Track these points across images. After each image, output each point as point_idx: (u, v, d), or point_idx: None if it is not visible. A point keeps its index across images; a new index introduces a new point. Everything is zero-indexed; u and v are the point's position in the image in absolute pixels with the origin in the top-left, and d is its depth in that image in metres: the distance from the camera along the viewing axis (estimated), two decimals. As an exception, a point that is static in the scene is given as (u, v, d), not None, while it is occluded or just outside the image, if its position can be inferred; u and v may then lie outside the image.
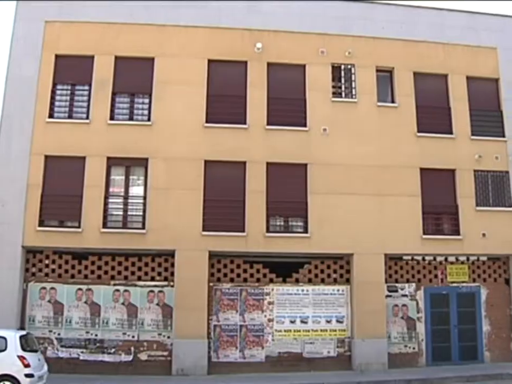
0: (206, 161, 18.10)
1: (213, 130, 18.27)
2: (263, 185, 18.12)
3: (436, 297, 18.97)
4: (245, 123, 18.51)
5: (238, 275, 18.06)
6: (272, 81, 18.99)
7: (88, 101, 18.31)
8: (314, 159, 18.55)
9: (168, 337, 17.32)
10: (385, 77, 19.79)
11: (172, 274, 17.58)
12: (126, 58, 18.64)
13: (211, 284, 17.74)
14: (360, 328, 17.78)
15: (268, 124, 18.56)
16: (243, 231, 17.81)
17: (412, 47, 19.86)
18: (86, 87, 18.44)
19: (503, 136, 19.91)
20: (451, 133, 19.57)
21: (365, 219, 18.35)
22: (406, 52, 19.80)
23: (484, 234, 18.94)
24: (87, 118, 18.15)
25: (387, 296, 18.49)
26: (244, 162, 18.26)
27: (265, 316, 17.92)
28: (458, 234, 18.96)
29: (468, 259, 19.42)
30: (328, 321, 18.18)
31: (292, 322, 18.01)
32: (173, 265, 17.60)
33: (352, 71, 19.51)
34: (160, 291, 17.68)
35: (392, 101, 19.61)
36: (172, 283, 17.52)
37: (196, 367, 16.81)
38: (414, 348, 18.57)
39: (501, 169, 19.65)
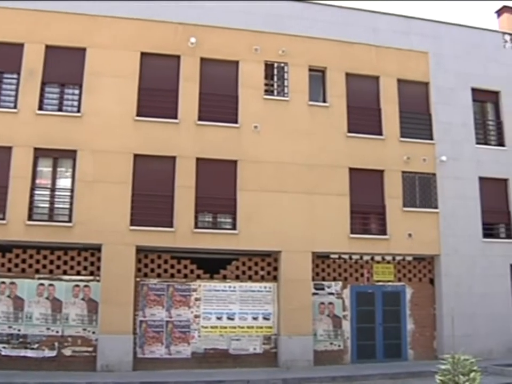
0: (135, 155, 19.48)
1: (144, 124, 19.72)
2: (193, 180, 19.68)
3: (361, 295, 21.20)
4: (176, 118, 20.02)
5: (165, 270, 19.61)
6: (204, 76, 20.60)
7: (17, 90, 19.31)
8: (245, 155, 20.32)
9: (93, 332, 18.58)
10: (318, 76, 21.83)
11: (98, 268, 18.90)
12: (57, 48, 19.70)
13: (138, 279, 19.19)
14: (287, 326, 19.67)
15: (199, 119, 20.13)
16: (171, 226, 19.32)
17: (345, 48, 22.01)
18: (15, 76, 19.45)
19: (431, 139, 22.40)
20: (381, 134, 21.85)
21: (293, 217, 20.26)
22: (339, 53, 21.91)
23: (410, 235, 21.30)
24: (15, 107, 19.20)
25: (314, 294, 20.49)
26: (174, 157, 19.77)
27: (191, 312, 19.55)
28: (385, 234, 21.25)
29: (394, 259, 21.78)
30: (254, 318, 20.04)
31: (219, 318, 19.74)
32: (99, 259, 18.92)
33: (285, 69, 21.42)
34: (85, 286, 18.96)
35: (324, 101, 21.68)
36: (98, 278, 18.83)
37: (121, 363, 18.14)
38: (339, 346, 20.70)
39: (428, 171, 22.10)
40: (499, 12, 27.04)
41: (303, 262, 20.17)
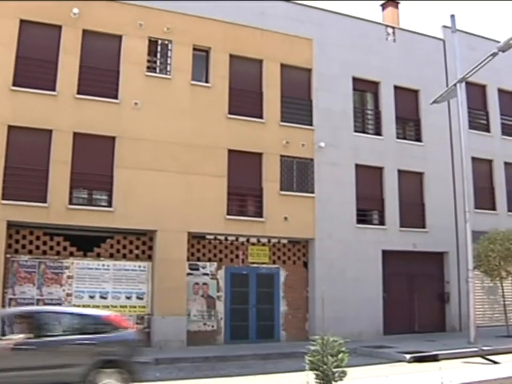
0: (9, 127, 19.97)
1: (20, 95, 20.29)
2: (69, 155, 20.58)
3: (236, 277, 23.25)
4: (54, 90, 20.79)
5: (37, 247, 20.54)
6: (86, 49, 21.48)
7: None
8: (124, 132, 21.49)
9: (-42, 310, 19.04)
10: (202, 56, 23.46)
11: (-34, 244, 19.41)
12: None
13: (8, 256, 19.88)
14: (160, 305, 21.18)
15: (79, 93, 21.06)
16: (45, 201, 20.10)
17: (231, 30, 23.76)
18: None
19: (311, 124, 24.75)
20: (261, 117, 23.86)
21: (170, 196, 21.74)
22: (224, 34, 23.64)
23: (285, 218, 23.49)
24: None
25: (188, 274, 22.22)
26: (50, 131, 20.58)
27: (63, 290, 20.59)
28: (261, 216, 23.31)
29: (269, 241, 23.98)
30: (128, 298, 21.48)
31: (91, 297, 20.94)
32: (-33, 234, 19.44)
33: (169, 47, 22.85)
34: (-49, 261, 19.33)
35: (206, 81, 23.38)
36: (-36, 253, 19.35)
37: (-14, 342, 19.20)
38: (213, 326, 22.60)
39: (306, 156, 24.43)
40: (384, 5, 29.84)
41: (178, 242, 21.77)
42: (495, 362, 16.99)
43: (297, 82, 25.05)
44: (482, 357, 17.93)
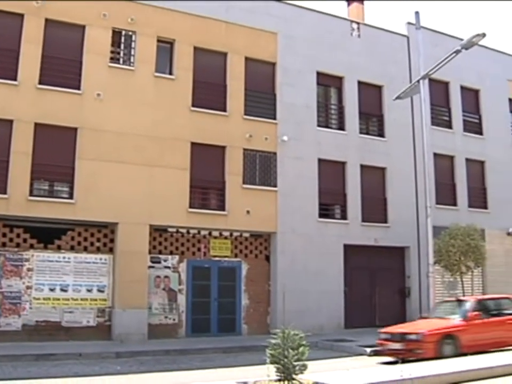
0: None
1: None
2: (30, 146, 20.48)
3: (198, 270, 23.45)
4: (15, 79, 20.64)
5: None
6: (49, 38, 21.34)
7: None
8: (86, 123, 21.44)
9: None
10: (166, 48, 23.55)
11: None
12: None
13: None
14: (121, 298, 21.25)
15: (40, 83, 20.97)
16: (5, 193, 19.98)
17: (195, 22, 23.88)
18: None
19: (274, 118, 25.04)
20: (225, 110, 24.05)
21: (132, 189, 21.76)
22: (189, 26, 23.75)
23: (248, 212, 23.73)
24: None
25: (150, 267, 22.35)
26: (11, 121, 20.45)
27: (23, 283, 20.56)
28: (224, 210, 23.51)
29: (231, 234, 24.22)
30: (89, 290, 21.50)
31: (52, 290, 20.93)
32: None
33: (133, 38, 22.89)
34: None
35: (170, 73, 23.47)
36: None
37: None
38: (174, 319, 22.78)
39: (270, 150, 24.72)
40: (349, 1, 30.14)
41: (140, 235, 21.86)
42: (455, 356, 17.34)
43: (262, 75, 25.31)
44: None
